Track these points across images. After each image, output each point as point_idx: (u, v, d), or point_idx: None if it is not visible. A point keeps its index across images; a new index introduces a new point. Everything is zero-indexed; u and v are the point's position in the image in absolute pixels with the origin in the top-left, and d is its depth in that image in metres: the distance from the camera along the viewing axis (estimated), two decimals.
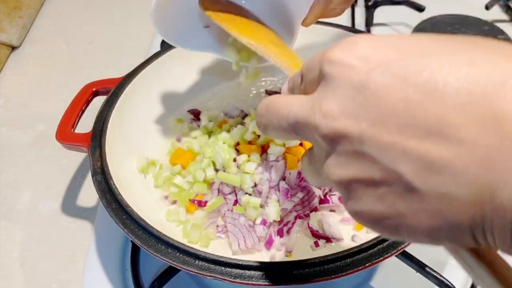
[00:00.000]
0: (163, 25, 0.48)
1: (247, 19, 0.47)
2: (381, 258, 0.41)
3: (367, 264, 0.40)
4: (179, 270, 0.46)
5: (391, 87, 0.21)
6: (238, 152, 0.53)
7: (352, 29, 0.65)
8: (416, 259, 0.47)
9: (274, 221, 0.49)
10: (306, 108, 0.24)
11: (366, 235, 0.49)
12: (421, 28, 0.80)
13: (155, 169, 0.55)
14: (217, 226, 0.50)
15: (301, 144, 0.52)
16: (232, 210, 0.50)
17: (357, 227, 0.50)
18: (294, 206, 0.49)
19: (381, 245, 0.41)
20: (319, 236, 0.49)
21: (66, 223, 0.61)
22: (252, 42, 0.43)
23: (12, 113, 0.77)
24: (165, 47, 0.63)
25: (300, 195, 0.49)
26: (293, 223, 0.49)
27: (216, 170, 0.52)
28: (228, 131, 0.56)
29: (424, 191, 0.20)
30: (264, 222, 0.49)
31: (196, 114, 0.62)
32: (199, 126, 0.60)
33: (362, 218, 0.23)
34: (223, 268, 0.41)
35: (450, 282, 0.47)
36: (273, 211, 0.49)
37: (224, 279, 0.40)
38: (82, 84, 0.58)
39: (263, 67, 0.66)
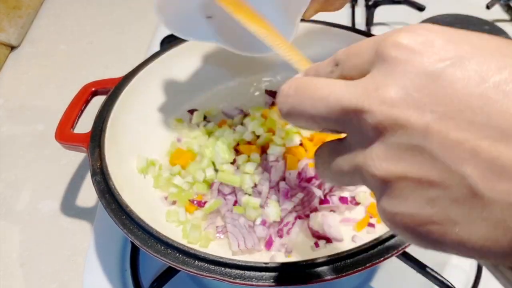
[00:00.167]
0: (166, 15, 0.48)
1: (250, 8, 0.46)
2: (382, 259, 0.41)
3: (368, 265, 0.40)
4: (179, 271, 0.46)
5: (467, 81, 0.19)
6: (238, 152, 0.53)
7: (352, 29, 0.65)
8: (417, 259, 0.47)
9: (274, 221, 0.49)
10: (355, 91, 0.22)
11: (367, 235, 0.49)
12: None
13: (154, 169, 0.55)
14: (217, 226, 0.50)
15: (301, 144, 0.52)
16: (232, 211, 0.50)
17: (357, 227, 0.49)
18: (294, 207, 0.49)
19: (382, 246, 0.41)
20: (319, 236, 0.49)
21: (66, 223, 0.61)
22: (262, 30, 0.41)
23: (11, 113, 0.76)
24: (165, 47, 0.62)
25: (300, 195, 0.49)
26: (293, 223, 0.49)
27: (216, 171, 0.52)
28: (228, 131, 0.56)
29: (489, 198, 0.18)
30: (264, 223, 0.48)
31: None
32: (198, 126, 0.60)
33: (401, 221, 0.21)
34: (222, 268, 0.41)
35: (450, 283, 0.47)
36: (273, 212, 0.48)
37: (224, 280, 0.40)
38: (81, 84, 0.58)
39: (263, 67, 0.66)
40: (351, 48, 0.25)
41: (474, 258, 0.20)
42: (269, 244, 0.48)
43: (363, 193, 0.51)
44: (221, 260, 0.41)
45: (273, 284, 0.40)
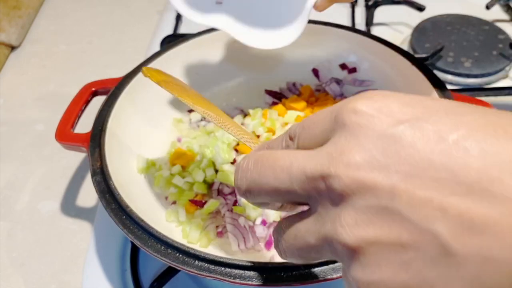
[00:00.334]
0: None
1: (197, 93, 0.47)
2: None
3: None
4: (179, 271, 0.46)
5: (427, 140, 0.19)
6: (238, 152, 0.53)
7: (352, 29, 0.65)
8: None
9: (274, 221, 0.49)
10: (318, 158, 0.22)
11: None
12: (421, 27, 0.80)
13: (154, 169, 0.55)
14: (217, 226, 0.50)
15: None
16: (231, 211, 0.50)
17: None
18: None
19: None
20: None
21: (66, 223, 0.61)
22: (209, 112, 0.41)
23: (11, 113, 0.76)
24: (165, 47, 0.62)
25: None
26: None
27: (216, 171, 0.52)
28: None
29: (462, 254, 0.18)
30: (264, 223, 0.48)
31: None
32: (198, 126, 0.60)
33: None
34: (222, 268, 0.41)
35: None
36: (273, 212, 0.48)
37: (224, 280, 0.40)
38: (81, 84, 0.58)
39: (263, 67, 0.66)
40: (305, 121, 0.25)
41: None
42: (269, 244, 0.48)
43: None
44: (221, 260, 0.41)
45: (273, 283, 0.40)
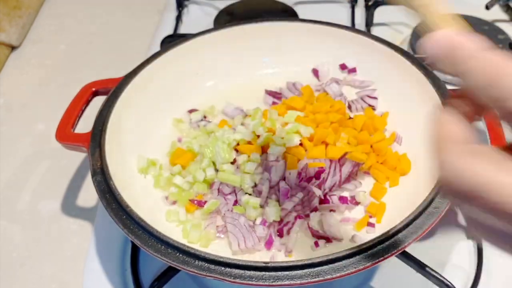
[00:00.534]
0: None
1: None
2: (381, 258, 0.41)
3: (367, 264, 0.41)
4: (179, 270, 0.46)
5: None
6: (238, 152, 0.53)
7: (352, 29, 0.65)
8: (416, 259, 0.47)
9: (274, 221, 0.49)
10: None
11: (366, 235, 0.49)
12: (421, 28, 0.80)
13: (155, 169, 0.55)
14: (217, 226, 0.50)
15: (301, 144, 0.52)
16: (232, 210, 0.50)
17: (357, 227, 0.50)
18: (294, 206, 0.49)
19: (381, 245, 0.42)
20: (319, 236, 0.49)
21: (66, 223, 0.61)
22: None
23: (12, 113, 0.77)
24: (165, 47, 0.63)
25: (300, 195, 0.49)
26: (293, 223, 0.49)
27: (216, 170, 0.52)
28: (228, 131, 0.56)
29: None
30: (264, 222, 0.49)
31: None
32: (199, 126, 0.60)
33: None
34: (223, 268, 0.41)
35: (450, 282, 0.47)
36: (273, 211, 0.49)
37: (224, 279, 0.40)
38: (81, 84, 0.58)
39: (264, 67, 0.66)
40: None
41: None
42: (269, 243, 0.48)
43: (363, 193, 0.52)
44: (221, 259, 0.41)
45: (273, 283, 0.40)
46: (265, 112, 0.58)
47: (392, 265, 0.51)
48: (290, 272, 0.40)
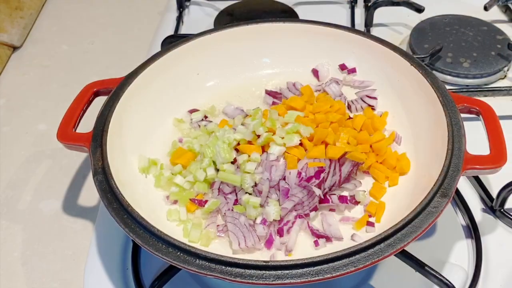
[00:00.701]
0: None
1: None
2: (381, 257, 0.41)
3: (367, 263, 0.41)
4: (180, 269, 0.46)
5: None
6: (238, 151, 0.54)
7: (352, 30, 0.65)
8: (416, 258, 0.48)
9: (274, 220, 0.49)
10: None
11: (366, 234, 0.49)
12: (420, 28, 0.80)
13: (156, 169, 0.55)
14: (218, 225, 0.51)
15: (301, 144, 0.52)
16: (232, 210, 0.50)
17: (356, 226, 0.50)
18: (294, 206, 0.50)
19: (381, 244, 0.42)
20: (319, 235, 0.49)
21: (67, 222, 0.62)
22: None
23: (14, 113, 0.77)
24: (166, 47, 0.63)
25: (300, 194, 0.50)
26: (293, 222, 0.49)
27: (217, 170, 0.53)
28: (229, 131, 0.56)
29: None
30: (264, 222, 0.49)
31: None
32: (199, 126, 0.60)
33: None
34: (223, 267, 0.41)
35: (449, 281, 0.47)
36: (273, 211, 0.49)
37: (225, 278, 0.41)
38: (83, 84, 0.59)
39: (264, 67, 0.67)
40: None
41: None
42: (269, 243, 0.48)
43: (363, 192, 0.52)
44: (221, 258, 0.41)
45: (273, 282, 0.40)
46: (265, 112, 0.58)
47: (391, 264, 0.51)
48: (290, 271, 0.41)
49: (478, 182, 0.59)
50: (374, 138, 0.55)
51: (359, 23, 0.85)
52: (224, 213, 0.51)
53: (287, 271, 0.41)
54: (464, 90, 0.70)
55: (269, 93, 0.64)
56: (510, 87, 0.69)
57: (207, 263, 0.41)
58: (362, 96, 0.62)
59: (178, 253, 0.42)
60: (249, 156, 0.52)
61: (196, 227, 0.50)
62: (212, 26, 0.82)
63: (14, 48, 0.88)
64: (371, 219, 0.50)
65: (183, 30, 0.86)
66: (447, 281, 0.47)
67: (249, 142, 0.54)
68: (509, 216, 0.56)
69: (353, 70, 0.64)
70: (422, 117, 0.56)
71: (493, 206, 0.57)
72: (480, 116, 0.53)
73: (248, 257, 0.46)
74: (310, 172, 0.50)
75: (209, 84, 0.65)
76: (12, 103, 0.78)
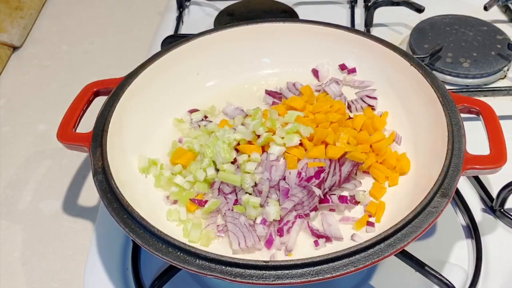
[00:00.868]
0: None
1: None
2: (381, 257, 0.41)
3: (367, 263, 0.41)
4: (180, 269, 0.46)
5: None
6: (238, 151, 0.54)
7: (352, 30, 0.65)
8: (416, 258, 0.48)
9: (274, 220, 0.49)
10: None
11: (366, 234, 0.49)
12: (420, 28, 0.80)
13: (156, 169, 0.55)
14: (218, 225, 0.51)
15: (301, 144, 0.52)
16: (232, 210, 0.50)
17: (356, 226, 0.50)
18: (294, 206, 0.50)
19: (381, 245, 0.42)
20: (319, 235, 0.49)
21: (67, 222, 0.62)
22: None
23: (14, 113, 0.77)
24: (166, 47, 0.63)
25: (300, 194, 0.50)
26: (293, 222, 0.49)
27: (217, 170, 0.53)
28: (229, 131, 0.56)
29: None
30: (264, 222, 0.49)
31: None
32: (199, 126, 0.60)
33: None
34: (223, 267, 0.41)
35: (449, 281, 0.47)
36: (273, 211, 0.49)
37: (225, 278, 0.41)
38: (83, 84, 0.59)
39: (264, 67, 0.67)
40: None
41: None
42: (269, 243, 0.48)
43: (363, 192, 0.52)
44: (221, 258, 0.41)
45: (273, 282, 0.40)
46: (265, 112, 0.58)
47: (391, 264, 0.51)
48: (290, 271, 0.41)
49: (478, 182, 0.59)
50: (374, 138, 0.55)
51: (359, 23, 0.85)
52: (224, 213, 0.51)
53: (287, 271, 0.41)
54: (464, 90, 0.70)
55: (269, 93, 0.64)
56: (510, 87, 0.69)
57: (207, 263, 0.41)
58: (362, 96, 0.62)
59: (178, 253, 0.42)
60: (249, 156, 0.52)
61: (196, 227, 0.50)
62: (212, 26, 0.82)
63: (14, 48, 0.88)
64: (371, 219, 0.50)
65: (183, 30, 0.86)
66: (447, 281, 0.47)
67: (249, 142, 0.54)
68: (509, 216, 0.56)
69: (353, 70, 0.64)
70: (422, 117, 0.56)
71: (493, 206, 0.57)
72: (480, 116, 0.53)
73: (248, 257, 0.46)
74: (310, 172, 0.50)
75: (209, 84, 0.65)
76: (12, 103, 0.78)
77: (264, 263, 0.41)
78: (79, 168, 0.68)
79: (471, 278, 0.50)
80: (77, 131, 0.54)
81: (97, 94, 0.58)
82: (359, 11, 0.88)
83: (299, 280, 0.40)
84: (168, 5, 0.91)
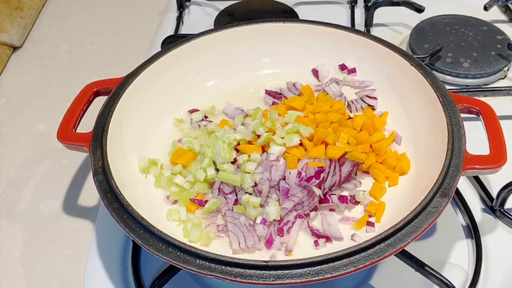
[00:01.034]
0: None
1: None
2: (381, 257, 0.41)
3: (367, 263, 0.41)
4: (180, 269, 0.46)
5: None
6: (238, 151, 0.54)
7: (352, 30, 0.65)
8: (416, 258, 0.48)
9: (274, 220, 0.49)
10: None
11: (366, 234, 0.49)
12: (420, 28, 0.80)
13: (156, 169, 0.55)
14: (218, 225, 0.51)
15: (301, 144, 0.52)
16: (232, 210, 0.50)
17: (356, 226, 0.50)
18: (294, 206, 0.50)
19: (381, 244, 0.42)
20: (319, 235, 0.49)
21: (67, 222, 0.62)
22: None
23: (14, 113, 0.77)
24: (166, 47, 0.63)
25: (300, 194, 0.50)
26: (293, 222, 0.49)
27: (217, 170, 0.53)
28: (229, 131, 0.56)
29: None
30: (264, 222, 0.49)
31: None
32: (199, 126, 0.60)
33: None
34: (223, 267, 0.41)
35: (449, 281, 0.47)
36: (273, 211, 0.49)
37: (225, 278, 0.41)
38: (83, 84, 0.59)
39: (264, 67, 0.67)
40: None
41: None
42: (269, 242, 0.49)
43: (363, 192, 0.52)
44: (222, 258, 0.41)
45: (273, 282, 0.40)
46: (265, 112, 0.58)
47: (391, 264, 0.51)
48: (290, 271, 0.41)
49: (478, 182, 0.59)
50: (374, 138, 0.55)
51: (359, 23, 0.85)
52: (224, 213, 0.51)
53: (287, 271, 0.41)
54: (464, 90, 0.70)
55: (269, 93, 0.64)
56: (510, 87, 0.69)
57: (207, 263, 0.41)
58: (362, 96, 0.62)
59: (178, 253, 0.42)
60: (249, 156, 0.52)
61: (196, 227, 0.50)
62: (212, 26, 0.82)
63: (14, 48, 0.88)
64: (371, 219, 0.50)
65: (183, 30, 0.86)
66: (447, 281, 0.47)
67: (249, 142, 0.54)
68: (509, 216, 0.56)
69: (353, 70, 0.65)
70: (422, 117, 0.56)
71: (493, 206, 0.57)
72: (480, 116, 0.53)
73: (248, 257, 0.46)
74: (310, 172, 0.50)
75: (209, 84, 0.65)
76: (12, 103, 0.78)
77: (264, 263, 0.41)
78: (79, 168, 0.68)
79: (471, 278, 0.50)
80: (77, 131, 0.54)
81: (97, 94, 0.58)
82: (359, 11, 0.88)
83: (299, 280, 0.40)
84: (168, 5, 0.91)
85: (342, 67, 0.65)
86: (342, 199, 0.51)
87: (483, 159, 0.48)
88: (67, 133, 0.53)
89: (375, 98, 0.62)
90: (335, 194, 0.52)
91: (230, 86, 0.65)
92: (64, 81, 0.82)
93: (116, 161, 0.50)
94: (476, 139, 0.52)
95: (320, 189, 0.51)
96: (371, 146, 0.55)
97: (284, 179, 0.51)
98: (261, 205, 0.50)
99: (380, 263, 0.50)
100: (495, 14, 0.87)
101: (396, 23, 0.86)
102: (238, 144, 0.54)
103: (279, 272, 0.41)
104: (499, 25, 0.81)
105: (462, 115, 0.52)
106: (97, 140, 0.51)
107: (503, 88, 0.69)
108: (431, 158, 0.51)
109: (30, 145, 0.72)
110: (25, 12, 0.90)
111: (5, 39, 0.85)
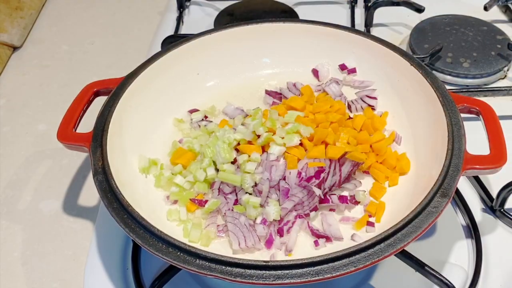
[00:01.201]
0: None
1: None
2: (381, 257, 0.41)
3: (367, 263, 0.41)
4: (180, 269, 0.46)
5: None
6: (238, 151, 0.54)
7: (352, 30, 0.65)
8: (416, 258, 0.48)
9: (274, 220, 0.49)
10: None
11: (366, 234, 0.49)
12: (420, 28, 0.80)
13: (156, 169, 0.55)
14: (218, 225, 0.51)
15: (301, 144, 0.52)
16: (232, 210, 0.50)
17: (356, 226, 0.50)
18: (294, 206, 0.50)
19: (381, 244, 0.42)
20: (319, 235, 0.49)
21: (67, 222, 0.62)
22: None
23: (14, 113, 0.77)
24: (166, 47, 0.63)
25: (300, 194, 0.50)
26: (293, 222, 0.49)
27: (217, 170, 0.53)
28: (229, 131, 0.56)
29: None
30: (264, 222, 0.49)
31: None
32: (199, 126, 0.60)
33: None
34: (223, 267, 0.41)
35: (449, 281, 0.47)
36: (273, 211, 0.49)
37: (225, 278, 0.41)
38: (83, 84, 0.59)
39: (264, 67, 0.67)
40: None
41: None
42: (269, 242, 0.49)
43: (363, 192, 0.52)
44: (222, 258, 0.41)
45: (273, 282, 0.40)
46: (265, 112, 0.58)
47: (391, 264, 0.51)
48: (290, 271, 0.41)
49: (478, 182, 0.59)
50: (374, 138, 0.55)
51: (359, 23, 0.85)
52: (224, 213, 0.51)
53: (287, 271, 0.41)
54: (464, 90, 0.70)
55: (269, 93, 0.64)
56: (510, 87, 0.69)
57: (207, 263, 0.41)
58: (362, 96, 0.62)
59: (178, 253, 0.42)
60: (249, 156, 0.52)
61: (196, 227, 0.50)
62: (212, 26, 0.82)
63: (14, 48, 0.88)
64: (371, 219, 0.50)
65: (183, 30, 0.86)
66: (447, 281, 0.47)
67: (249, 142, 0.54)
68: (509, 216, 0.56)
69: (353, 70, 0.65)
70: (422, 117, 0.56)
71: (493, 206, 0.57)
72: (480, 116, 0.53)
73: (248, 257, 0.46)
74: (310, 172, 0.50)
75: (209, 84, 0.65)
76: (12, 103, 0.78)
77: (264, 263, 0.41)
78: (79, 168, 0.68)
79: (471, 278, 0.50)
80: (77, 131, 0.54)
81: (97, 94, 0.58)
82: (359, 11, 0.88)
83: (299, 280, 0.40)
84: (168, 5, 0.91)
85: (342, 67, 0.65)
86: (342, 199, 0.51)
87: (483, 159, 0.48)
88: (67, 133, 0.53)
89: (375, 98, 0.62)
90: (335, 194, 0.52)
91: (230, 86, 0.65)
92: (64, 81, 0.82)
93: (116, 161, 0.50)
94: (476, 139, 0.52)
95: (320, 189, 0.51)
96: (371, 146, 0.55)
97: (284, 179, 0.51)
98: (261, 205, 0.50)
99: (380, 263, 0.50)
100: (495, 14, 0.87)
101: (396, 23, 0.86)
102: (238, 144, 0.54)
103: (279, 272, 0.41)
104: (499, 25, 0.81)
105: (462, 115, 0.52)
106: (97, 140, 0.51)
107: (503, 88, 0.70)
108: (431, 158, 0.51)
109: (30, 145, 0.72)
110: (25, 12, 0.90)
111: (5, 39, 0.85)
